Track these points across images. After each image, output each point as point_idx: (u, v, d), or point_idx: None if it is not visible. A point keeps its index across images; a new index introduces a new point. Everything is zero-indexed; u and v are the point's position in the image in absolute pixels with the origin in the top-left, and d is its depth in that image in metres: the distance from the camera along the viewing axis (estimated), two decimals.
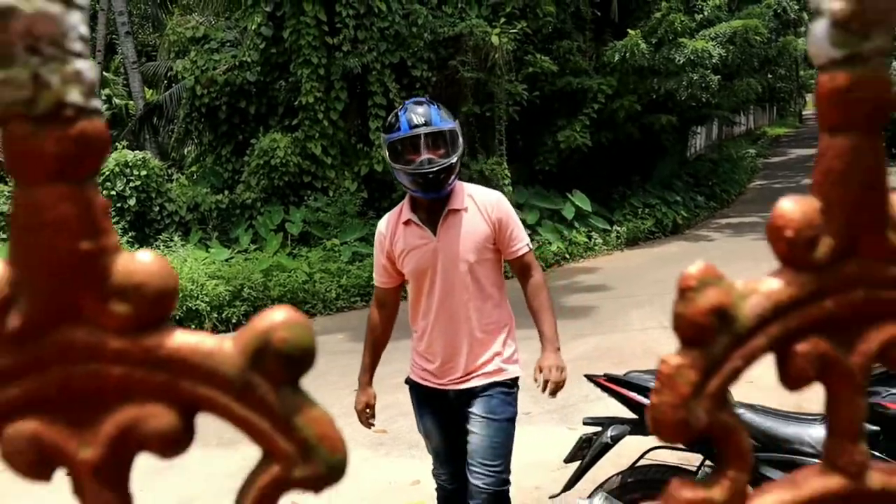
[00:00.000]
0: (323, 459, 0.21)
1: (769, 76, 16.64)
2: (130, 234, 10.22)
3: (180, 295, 9.08)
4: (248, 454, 5.30)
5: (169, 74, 14.16)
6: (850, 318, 0.24)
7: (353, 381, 6.63)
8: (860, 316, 0.24)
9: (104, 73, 15.80)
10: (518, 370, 2.95)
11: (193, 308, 9.19)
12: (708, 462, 2.85)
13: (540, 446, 4.57)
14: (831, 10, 0.22)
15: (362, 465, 4.65)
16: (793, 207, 0.23)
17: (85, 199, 0.21)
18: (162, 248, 10.24)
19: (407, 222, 2.86)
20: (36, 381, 0.20)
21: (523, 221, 12.06)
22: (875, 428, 2.75)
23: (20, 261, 0.20)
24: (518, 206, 11.38)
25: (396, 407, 5.04)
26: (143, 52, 18.29)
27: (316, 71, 11.12)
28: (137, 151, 11.07)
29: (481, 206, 2.91)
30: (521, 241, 2.92)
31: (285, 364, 0.21)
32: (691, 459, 3.10)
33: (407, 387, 3.04)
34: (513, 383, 2.92)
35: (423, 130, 2.82)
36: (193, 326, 9.25)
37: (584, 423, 3.13)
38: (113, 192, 10.33)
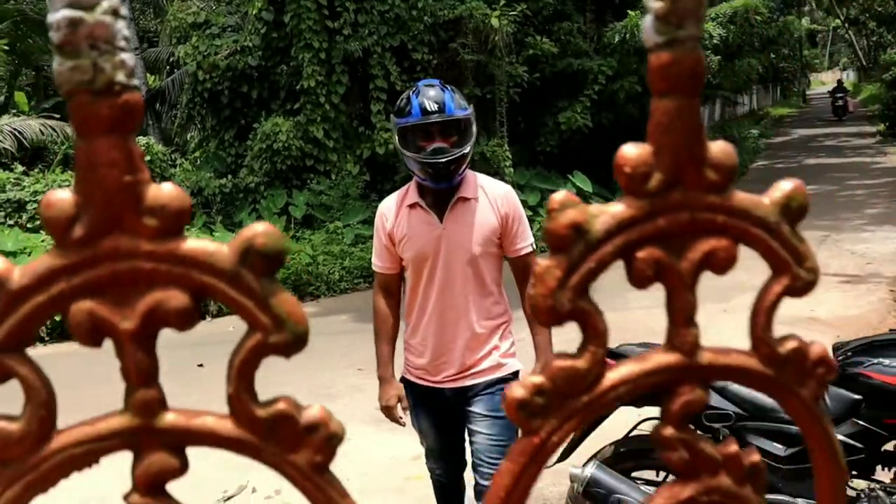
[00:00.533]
0: (291, 330, 0.30)
1: (772, 56, 16.64)
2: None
3: None
4: None
5: (171, 60, 14.21)
6: (679, 232, 0.32)
7: (357, 361, 6.73)
8: (686, 231, 0.33)
9: None
10: (517, 364, 2.87)
11: None
12: (698, 432, 2.94)
13: None
14: (654, 8, 0.31)
15: (363, 440, 4.75)
16: (632, 150, 0.32)
17: (127, 147, 0.30)
18: None
19: (413, 205, 2.73)
20: (91, 273, 0.30)
21: (524, 203, 12.13)
22: (858, 396, 2.85)
23: (82, 189, 0.29)
24: (519, 188, 11.45)
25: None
26: (144, 37, 18.31)
27: (317, 55, 11.16)
28: (140, 137, 11.14)
29: (491, 198, 2.79)
30: (527, 240, 2.82)
31: (264, 260, 0.30)
32: None
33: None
34: (513, 377, 2.83)
35: (435, 118, 2.69)
36: (201, 305, 9.35)
37: None
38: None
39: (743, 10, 12.43)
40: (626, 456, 3.15)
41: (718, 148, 0.32)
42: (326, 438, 0.31)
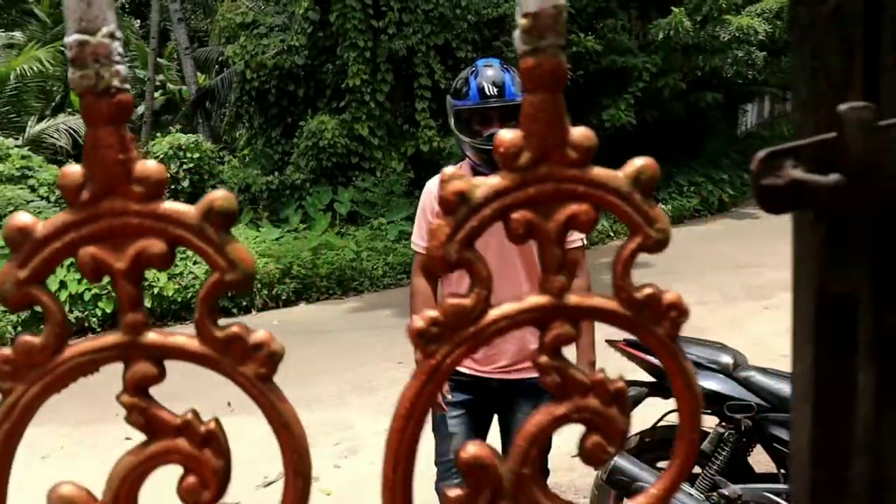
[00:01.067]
0: (241, 271, 0.40)
1: None
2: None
3: None
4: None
5: (220, 59, 14.52)
6: (545, 199, 0.42)
7: (397, 355, 6.84)
8: (552, 198, 0.42)
9: (158, 59, 16.21)
10: None
11: None
12: (721, 423, 3.01)
13: None
14: (521, 24, 0.40)
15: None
16: (506, 134, 0.41)
17: (121, 134, 0.40)
18: None
19: None
20: (94, 227, 0.40)
21: None
22: None
23: (87, 164, 0.40)
24: None
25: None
26: (195, 37, 18.69)
27: (362, 54, 11.31)
28: (190, 135, 11.42)
29: None
30: (579, 234, 2.71)
31: (221, 218, 0.40)
32: (707, 422, 3.25)
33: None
34: None
35: (494, 103, 2.57)
36: (245, 303, 9.59)
37: None
38: (167, 175, 10.71)
39: (789, 6, 12.23)
40: (651, 446, 3.22)
41: (579, 132, 0.42)
42: (269, 355, 0.41)
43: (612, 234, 11.95)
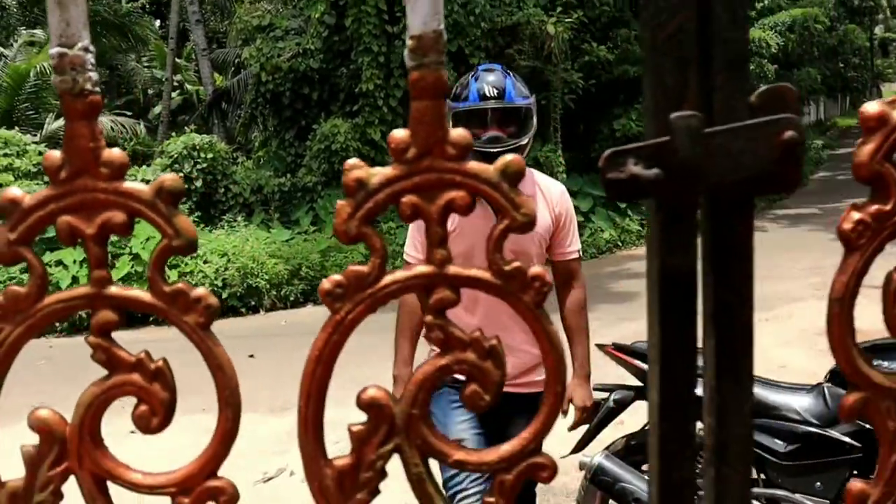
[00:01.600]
0: (184, 238, 0.51)
1: (840, 65, 16.36)
2: (196, 213, 10.73)
3: (241, 272, 9.57)
4: (295, 420, 5.69)
5: (237, 61, 14.72)
6: (429, 187, 0.52)
7: None
8: (434, 186, 0.52)
9: (177, 59, 16.41)
10: None
11: (254, 285, 9.63)
12: (702, 427, 3.08)
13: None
14: (408, 44, 0.51)
15: None
16: (398, 133, 0.52)
17: (92, 127, 0.51)
18: (226, 227, 10.72)
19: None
20: (70, 200, 0.51)
21: (577, 208, 12.12)
22: None
23: (66, 150, 0.51)
24: (573, 193, 11.55)
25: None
26: (213, 39, 18.92)
27: (376, 58, 11.45)
28: (205, 135, 11.58)
29: (547, 196, 2.68)
30: (576, 244, 2.73)
31: (170, 195, 0.51)
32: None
33: None
34: None
35: (492, 104, 2.54)
36: (254, 303, 9.73)
37: (593, 390, 3.39)
38: (180, 174, 10.87)
39: (802, 19, 12.33)
40: (637, 448, 3.30)
41: (458, 133, 0.52)
42: (206, 307, 0.52)
43: (619, 244, 12.02)
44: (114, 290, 0.52)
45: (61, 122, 14.35)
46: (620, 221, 12.37)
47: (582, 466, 3.15)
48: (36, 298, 0.52)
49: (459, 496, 2.58)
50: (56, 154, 0.51)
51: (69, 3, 0.50)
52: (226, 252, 9.74)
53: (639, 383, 3.26)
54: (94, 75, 0.51)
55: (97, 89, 0.51)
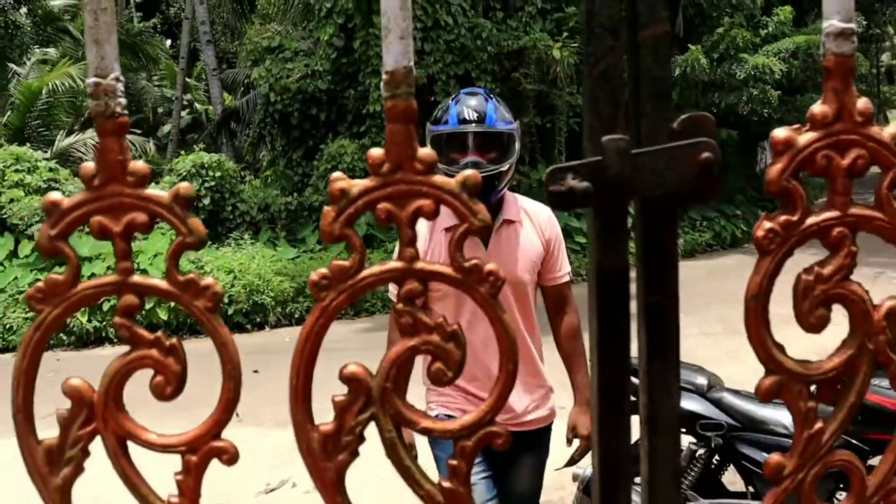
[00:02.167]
0: (196, 235, 0.62)
1: None
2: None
3: (247, 289, 9.68)
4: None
5: (246, 81, 14.91)
6: (400, 196, 0.63)
7: None
8: (405, 195, 0.63)
9: (187, 79, 16.63)
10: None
11: (259, 302, 9.72)
12: (694, 441, 3.18)
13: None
14: (383, 77, 0.62)
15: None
16: (375, 151, 0.62)
17: (121, 143, 0.62)
18: (233, 245, 10.84)
19: (450, 229, 2.40)
20: (101, 203, 0.62)
21: (579, 231, 12.17)
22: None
23: (98, 162, 0.62)
24: (576, 216, 11.69)
25: None
26: (223, 59, 19.16)
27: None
28: (213, 154, 11.73)
29: (535, 222, 2.61)
30: (566, 268, 2.67)
31: (184, 200, 0.61)
32: (682, 440, 3.42)
33: None
34: (551, 424, 2.78)
35: (472, 128, 2.47)
36: (259, 320, 9.84)
37: None
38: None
39: (805, 46, 12.48)
40: (632, 461, 3.38)
41: (425, 152, 0.63)
42: (213, 294, 0.62)
43: None
44: (136, 278, 0.63)
45: (71, 139, 14.57)
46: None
47: (575, 478, 3.24)
48: (71, 284, 0.63)
49: None
50: (90, 165, 0.62)
51: (104, 41, 0.61)
52: (232, 269, 9.86)
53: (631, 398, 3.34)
54: (122, 100, 0.62)
55: (125, 112, 0.62)
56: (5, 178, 10.73)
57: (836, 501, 2.89)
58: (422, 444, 2.42)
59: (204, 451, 0.65)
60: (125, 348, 0.65)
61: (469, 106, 2.51)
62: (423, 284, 0.65)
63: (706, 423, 3.09)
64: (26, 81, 15.62)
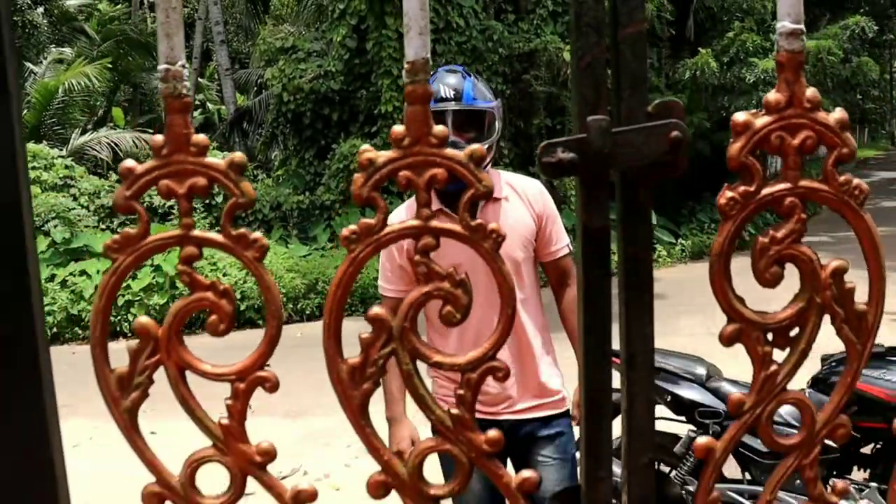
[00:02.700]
0: (247, 197, 0.74)
1: (859, 97, 16.49)
2: (217, 228, 10.99)
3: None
4: (309, 425, 5.92)
5: (259, 81, 15.08)
6: (418, 165, 0.75)
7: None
8: (421, 165, 0.75)
9: (200, 79, 16.81)
10: (561, 384, 2.64)
11: None
12: (692, 429, 3.30)
13: None
14: (405, 67, 0.74)
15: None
16: (398, 128, 0.75)
17: (185, 119, 0.74)
18: None
19: (435, 213, 2.49)
20: (168, 169, 0.74)
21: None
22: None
23: (167, 135, 0.74)
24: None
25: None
26: (236, 59, 19.35)
27: (396, 81, 11.75)
28: (226, 153, 11.87)
29: (523, 196, 2.54)
30: (564, 240, 2.61)
31: (237, 167, 0.74)
32: (681, 427, 3.53)
33: None
34: (567, 411, 2.64)
35: (450, 106, 2.41)
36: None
37: None
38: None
39: (815, 51, 12.55)
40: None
41: (438, 129, 0.75)
42: (260, 246, 0.75)
43: None
44: (197, 233, 0.75)
45: (87, 137, 14.77)
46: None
47: None
48: (142, 237, 0.75)
49: None
50: (160, 137, 0.75)
51: (173, 34, 0.73)
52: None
53: None
54: (187, 83, 0.74)
55: (189, 93, 0.74)
56: None
57: (828, 487, 2.99)
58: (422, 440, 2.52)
59: (250, 379, 0.77)
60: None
61: (446, 83, 2.46)
62: (436, 239, 0.77)
63: (704, 410, 3.20)
64: (42, 80, 15.84)
